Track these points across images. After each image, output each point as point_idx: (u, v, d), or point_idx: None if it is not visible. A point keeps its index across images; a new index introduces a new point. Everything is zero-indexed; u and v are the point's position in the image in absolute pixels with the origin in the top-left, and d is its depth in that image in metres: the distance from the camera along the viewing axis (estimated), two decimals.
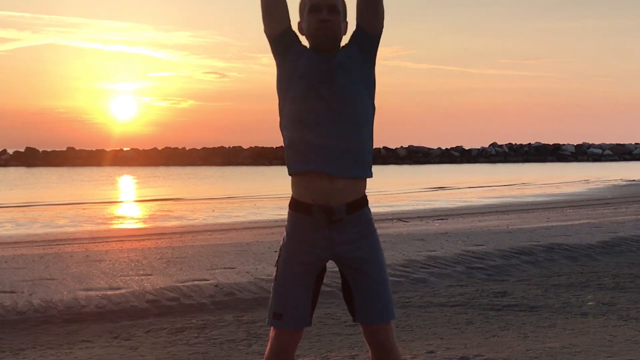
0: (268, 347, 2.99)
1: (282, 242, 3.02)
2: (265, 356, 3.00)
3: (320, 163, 2.89)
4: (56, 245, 12.79)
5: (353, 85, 2.94)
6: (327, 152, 2.89)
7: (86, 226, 17.73)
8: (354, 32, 3.04)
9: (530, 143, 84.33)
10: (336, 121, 2.90)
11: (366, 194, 3.02)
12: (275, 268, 3.02)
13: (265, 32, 3.04)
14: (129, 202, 28.72)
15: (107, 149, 77.85)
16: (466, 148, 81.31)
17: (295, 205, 2.97)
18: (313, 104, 2.91)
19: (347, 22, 3.04)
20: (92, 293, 6.92)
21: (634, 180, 37.74)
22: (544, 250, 9.47)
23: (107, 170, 61.25)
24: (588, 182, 37.10)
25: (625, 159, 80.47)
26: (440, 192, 31.31)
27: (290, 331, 2.96)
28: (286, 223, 3.02)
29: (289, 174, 2.99)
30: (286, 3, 3.01)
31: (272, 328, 2.99)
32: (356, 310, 2.99)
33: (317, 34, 2.95)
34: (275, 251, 3.10)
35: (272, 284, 3.03)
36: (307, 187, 2.93)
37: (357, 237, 2.95)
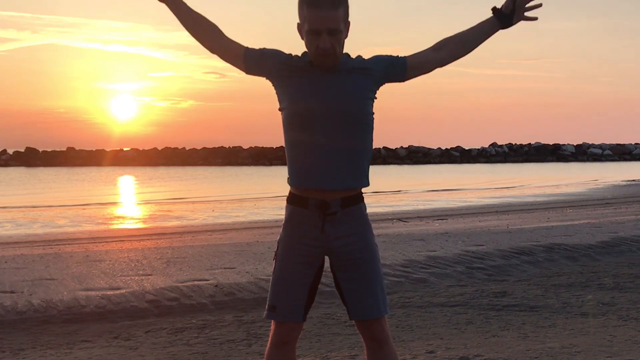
0: (269, 340, 3.04)
1: (279, 235, 3.05)
2: (266, 349, 3.04)
3: (319, 181, 2.92)
4: (56, 245, 12.80)
5: (353, 98, 2.92)
6: (328, 170, 2.91)
7: (86, 226, 17.74)
8: (392, 63, 3.01)
9: (530, 143, 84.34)
10: (337, 136, 2.90)
11: (365, 192, 3.05)
12: (274, 261, 3.04)
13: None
14: (128, 202, 28.72)
15: (107, 149, 77.84)
16: (466, 148, 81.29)
17: (292, 198, 3.01)
18: (313, 122, 2.89)
19: (349, 23, 2.93)
20: (92, 293, 6.92)
21: (634, 180, 37.74)
22: (544, 250, 9.47)
23: (107, 171, 61.23)
24: (587, 183, 37.07)
25: (625, 159, 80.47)
26: (444, 192, 31.29)
27: (287, 324, 2.99)
28: (284, 216, 3.05)
29: (289, 184, 3.02)
30: (225, 40, 3.01)
31: (272, 322, 3.02)
32: (349, 305, 3.01)
33: (316, 59, 2.90)
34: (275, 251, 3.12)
35: (271, 277, 3.05)
36: (304, 190, 2.97)
37: (351, 231, 2.97)
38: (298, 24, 2.97)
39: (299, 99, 2.92)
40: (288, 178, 3.01)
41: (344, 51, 2.96)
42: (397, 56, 3.04)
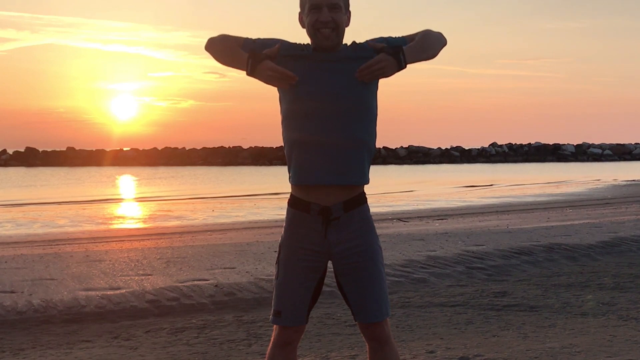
0: (271, 340, 3.04)
1: (280, 239, 3.03)
2: (268, 348, 3.04)
3: (321, 176, 2.89)
4: (56, 245, 12.79)
5: (354, 86, 2.89)
6: (329, 163, 2.88)
7: (86, 226, 17.73)
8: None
9: (530, 143, 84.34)
10: (337, 132, 2.88)
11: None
12: (276, 266, 3.03)
13: None
14: (128, 202, 28.71)
15: (107, 149, 77.90)
16: (466, 148, 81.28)
17: (293, 201, 2.99)
18: (314, 109, 2.87)
19: (350, 12, 2.96)
20: (92, 293, 6.92)
21: (634, 180, 37.73)
22: (544, 250, 9.47)
23: (107, 171, 61.20)
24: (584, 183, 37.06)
25: (625, 159, 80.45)
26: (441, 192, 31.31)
27: (291, 327, 2.99)
28: (285, 219, 3.03)
29: (290, 182, 2.98)
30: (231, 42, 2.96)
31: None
32: (352, 308, 3.01)
33: (316, 35, 2.89)
34: (275, 251, 3.11)
35: (274, 282, 3.04)
36: (305, 189, 2.94)
37: (353, 235, 2.95)
38: (299, 13, 2.97)
39: (300, 97, 2.89)
40: (289, 177, 2.99)
41: (348, 43, 2.96)
42: (397, 38, 2.99)
